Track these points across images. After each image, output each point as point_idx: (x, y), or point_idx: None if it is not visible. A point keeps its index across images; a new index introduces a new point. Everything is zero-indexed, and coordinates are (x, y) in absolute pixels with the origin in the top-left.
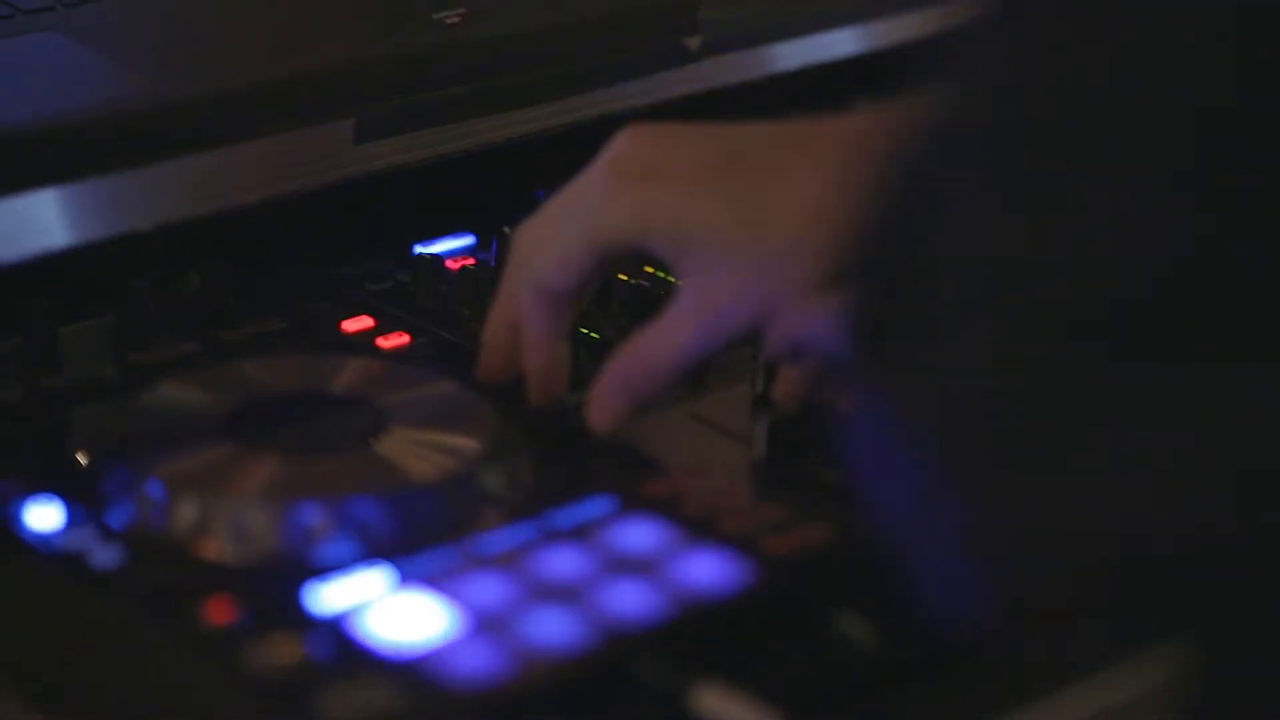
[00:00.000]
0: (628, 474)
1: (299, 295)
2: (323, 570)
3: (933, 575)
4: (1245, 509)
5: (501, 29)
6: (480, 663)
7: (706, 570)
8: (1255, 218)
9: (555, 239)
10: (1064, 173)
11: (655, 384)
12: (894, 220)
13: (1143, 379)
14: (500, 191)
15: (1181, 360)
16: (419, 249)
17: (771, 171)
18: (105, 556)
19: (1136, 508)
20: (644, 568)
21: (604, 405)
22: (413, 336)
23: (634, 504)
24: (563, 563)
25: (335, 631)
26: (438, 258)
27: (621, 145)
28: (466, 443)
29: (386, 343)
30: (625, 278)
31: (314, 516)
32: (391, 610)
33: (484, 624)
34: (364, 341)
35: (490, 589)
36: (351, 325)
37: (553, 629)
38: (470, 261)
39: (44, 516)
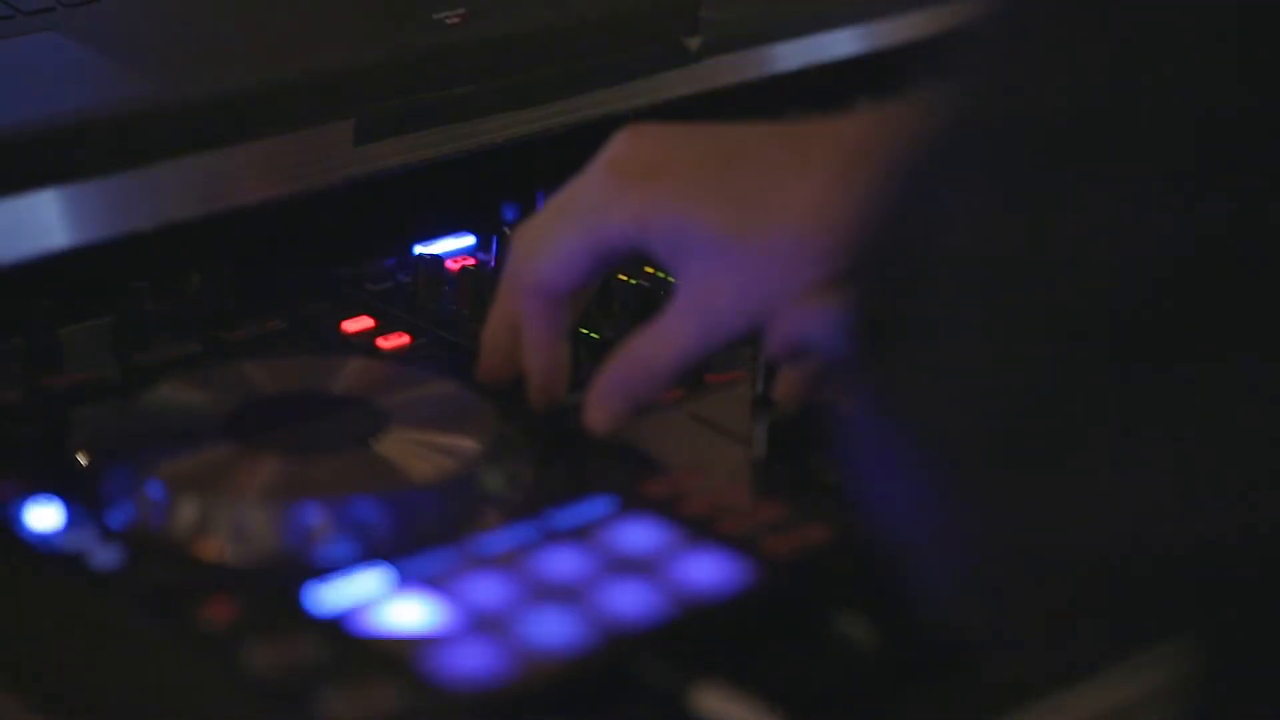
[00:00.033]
0: (628, 474)
1: (299, 295)
2: (323, 570)
3: (932, 576)
4: (1245, 509)
5: (501, 29)
6: (480, 663)
7: (706, 570)
8: (1255, 217)
9: (554, 239)
10: (1064, 173)
11: (654, 384)
12: (894, 220)
13: (1143, 379)
14: (500, 192)
15: (1181, 360)
16: (419, 249)
17: (771, 171)
18: (105, 556)
19: (1136, 508)
20: (644, 568)
21: (602, 406)
22: (413, 337)
23: (634, 504)
24: (563, 563)
25: (335, 631)
26: (438, 258)
27: (620, 145)
28: (466, 443)
29: (386, 343)
30: (625, 278)
31: (314, 516)
32: (391, 610)
33: (484, 624)
34: (364, 342)
35: (490, 589)
36: (352, 325)
37: (553, 629)
38: (470, 262)
39: (44, 516)
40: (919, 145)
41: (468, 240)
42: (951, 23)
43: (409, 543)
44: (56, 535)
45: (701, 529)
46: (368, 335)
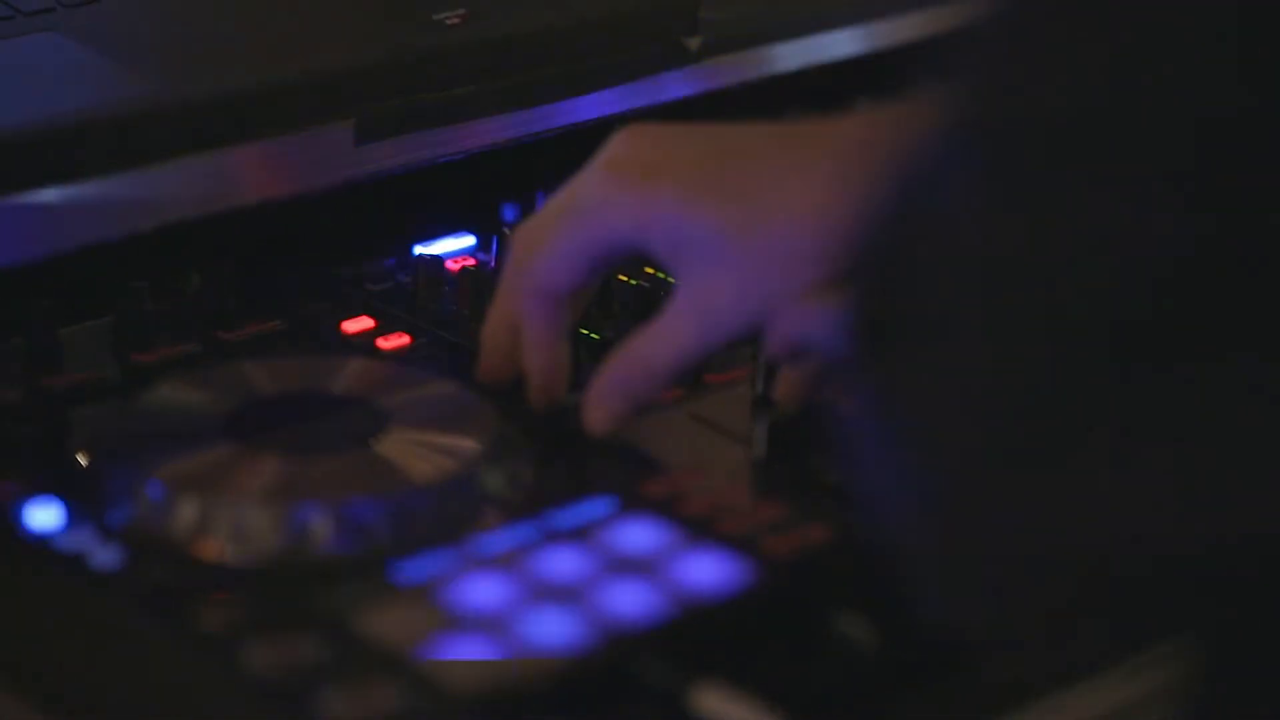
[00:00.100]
0: (628, 474)
1: (299, 295)
2: (323, 570)
3: (932, 576)
4: (1245, 509)
5: (501, 29)
6: (480, 663)
7: (706, 570)
8: (1255, 218)
9: (553, 239)
10: (1064, 173)
11: (653, 384)
12: (894, 220)
13: (1142, 379)
14: (500, 192)
15: (1182, 360)
16: (419, 250)
17: (771, 171)
18: (105, 556)
19: (1137, 508)
20: (644, 568)
21: (601, 405)
22: (413, 337)
23: (634, 504)
24: (563, 563)
25: (335, 631)
26: (438, 259)
27: (618, 145)
28: (466, 443)
29: (387, 343)
30: (625, 278)
31: (314, 516)
32: (391, 610)
33: (484, 624)
34: (364, 342)
35: (490, 589)
36: (352, 326)
37: (553, 629)
38: (470, 262)
39: (44, 516)
40: (919, 145)
41: (468, 241)
42: (952, 23)
43: (409, 543)
44: (56, 535)
45: (701, 529)
46: (368, 336)
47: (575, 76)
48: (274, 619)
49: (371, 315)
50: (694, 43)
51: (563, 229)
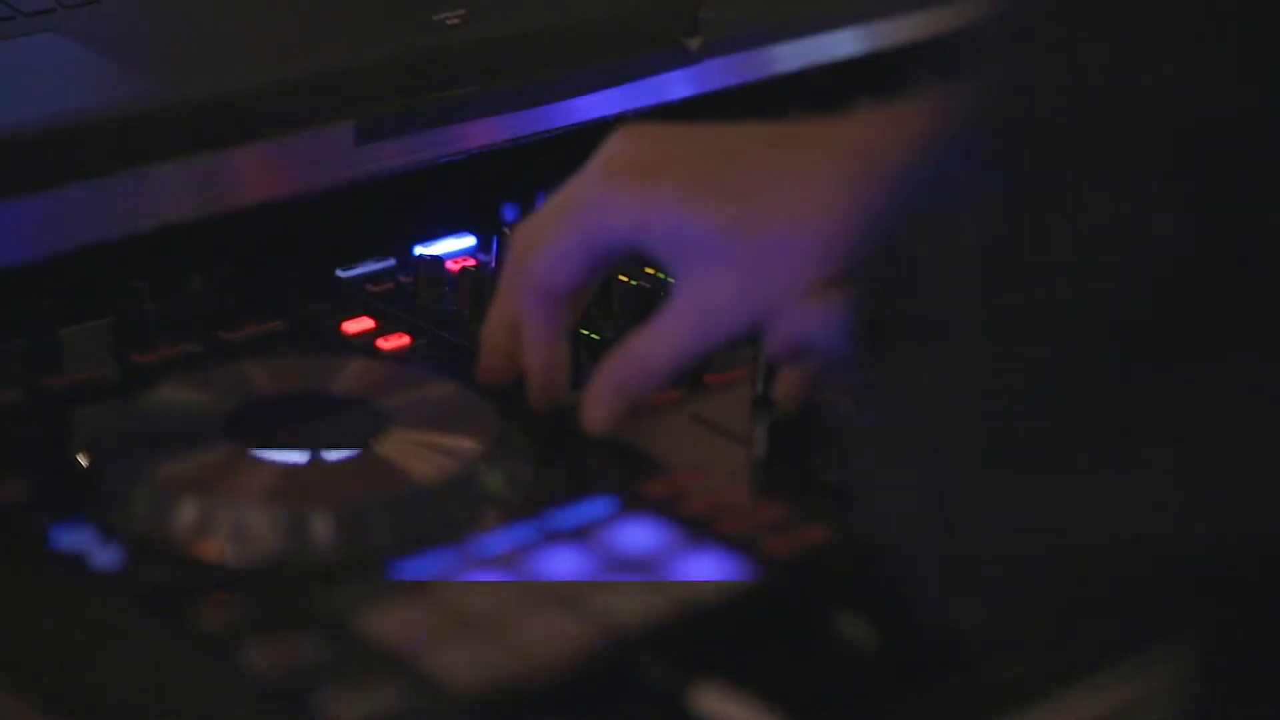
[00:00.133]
0: (628, 474)
1: (299, 296)
2: (323, 570)
3: (932, 576)
4: (1246, 509)
5: (501, 30)
6: (480, 663)
7: (706, 570)
8: (1255, 218)
9: (552, 239)
10: (1064, 173)
11: (651, 384)
12: (894, 220)
13: (1143, 379)
14: (500, 192)
15: (1182, 360)
16: (419, 250)
17: (771, 171)
18: (105, 556)
19: (1137, 508)
20: (644, 568)
21: (600, 405)
22: (413, 337)
23: (634, 504)
24: (563, 563)
25: (335, 631)
26: (438, 259)
27: (617, 145)
28: (466, 443)
29: (387, 344)
30: (625, 278)
31: (314, 516)
32: (391, 610)
33: (484, 624)
34: (364, 342)
35: (490, 589)
36: (352, 326)
37: (553, 629)
38: (470, 262)
39: (45, 517)
40: (919, 146)
41: (468, 241)
42: (952, 24)
43: (409, 543)
44: (56, 535)
45: (701, 529)
46: (368, 336)
47: (575, 76)
48: (274, 619)
49: (372, 316)
50: (694, 43)
51: (562, 228)
